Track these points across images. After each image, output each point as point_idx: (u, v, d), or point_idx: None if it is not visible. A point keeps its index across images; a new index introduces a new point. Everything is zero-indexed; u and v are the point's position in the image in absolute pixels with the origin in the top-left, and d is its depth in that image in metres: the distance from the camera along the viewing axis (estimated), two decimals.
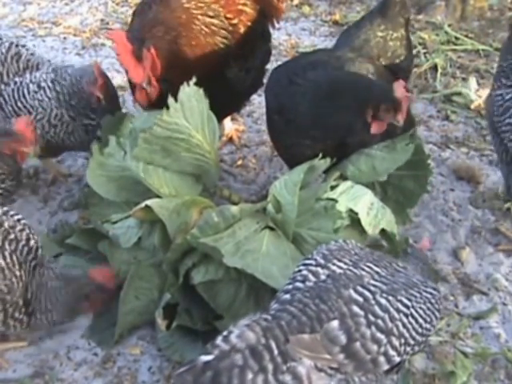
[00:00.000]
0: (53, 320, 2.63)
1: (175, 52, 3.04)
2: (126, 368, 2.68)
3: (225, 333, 1.93)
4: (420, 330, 2.09)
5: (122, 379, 2.64)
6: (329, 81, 2.83)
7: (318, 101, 2.82)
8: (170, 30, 3.03)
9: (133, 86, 3.12)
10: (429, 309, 2.14)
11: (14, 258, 2.49)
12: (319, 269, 2.12)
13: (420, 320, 2.10)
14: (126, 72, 3.06)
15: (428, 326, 2.13)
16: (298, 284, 2.09)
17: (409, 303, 2.09)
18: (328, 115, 2.81)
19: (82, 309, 2.69)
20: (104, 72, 3.27)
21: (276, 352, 1.89)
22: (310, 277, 2.09)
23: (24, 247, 2.54)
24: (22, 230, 2.57)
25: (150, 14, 3.07)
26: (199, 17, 3.12)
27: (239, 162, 3.78)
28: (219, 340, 1.90)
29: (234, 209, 2.71)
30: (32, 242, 2.57)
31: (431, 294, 2.19)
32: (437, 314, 2.19)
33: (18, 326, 2.59)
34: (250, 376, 1.84)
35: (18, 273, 2.49)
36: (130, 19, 3.46)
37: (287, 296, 2.06)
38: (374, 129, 2.77)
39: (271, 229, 2.75)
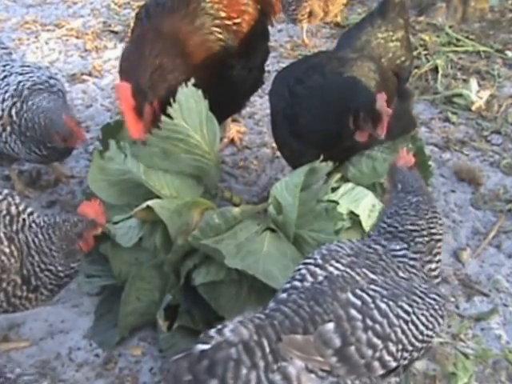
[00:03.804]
0: (59, 276, 2.46)
1: (182, 72, 2.96)
2: (127, 369, 2.69)
3: (219, 326, 1.93)
4: (420, 337, 2.03)
5: (123, 380, 2.64)
6: (322, 86, 2.83)
7: (313, 107, 2.82)
8: (169, 73, 2.93)
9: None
10: (432, 315, 2.07)
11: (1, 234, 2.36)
12: (317, 269, 2.09)
13: (421, 327, 2.03)
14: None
15: (430, 332, 2.07)
16: (296, 283, 2.07)
17: (410, 309, 2.02)
18: (320, 121, 2.81)
19: (78, 250, 2.50)
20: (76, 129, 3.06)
21: (268, 350, 1.87)
22: (308, 277, 2.07)
23: (5, 217, 2.40)
24: (1, 201, 2.42)
25: (146, 51, 2.89)
26: (205, 23, 3.10)
27: (241, 164, 3.78)
28: (213, 332, 1.90)
29: (235, 210, 2.73)
30: (13, 209, 2.41)
31: (435, 300, 2.12)
32: (440, 320, 2.12)
33: (26, 304, 2.46)
34: (244, 371, 1.84)
35: (7, 250, 2.36)
36: (132, 22, 3.46)
37: (284, 295, 2.05)
38: (358, 136, 2.75)
39: (272, 230, 2.75)
